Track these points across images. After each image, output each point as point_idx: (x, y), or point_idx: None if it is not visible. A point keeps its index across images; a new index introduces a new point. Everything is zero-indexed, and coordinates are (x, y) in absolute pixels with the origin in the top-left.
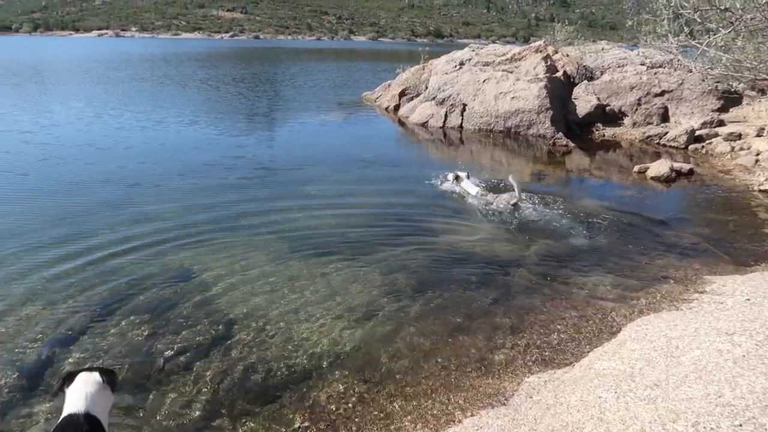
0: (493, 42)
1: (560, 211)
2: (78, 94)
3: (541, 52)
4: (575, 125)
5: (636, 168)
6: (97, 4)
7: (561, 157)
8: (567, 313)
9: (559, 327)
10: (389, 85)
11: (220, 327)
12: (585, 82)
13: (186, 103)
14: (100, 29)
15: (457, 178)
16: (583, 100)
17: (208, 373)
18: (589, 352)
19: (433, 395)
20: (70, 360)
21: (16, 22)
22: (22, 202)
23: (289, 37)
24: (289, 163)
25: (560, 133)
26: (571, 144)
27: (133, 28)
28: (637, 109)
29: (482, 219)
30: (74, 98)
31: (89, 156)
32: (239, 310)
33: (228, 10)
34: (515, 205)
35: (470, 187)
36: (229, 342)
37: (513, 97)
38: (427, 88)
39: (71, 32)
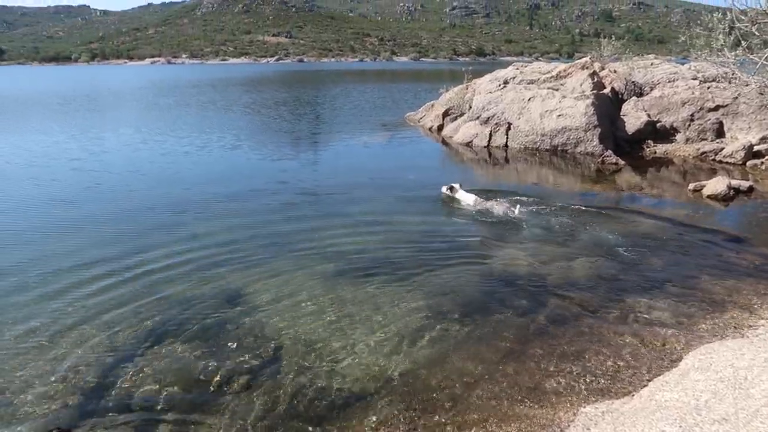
0: (536, 59)
1: (612, 231)
2: (127, 121)
3: (587, 68)
4: (625, 142)
5: (691, 186)
6: (150, 33)
7: (611, 175)
8: (622, 338)
9: (614, 353)
10: (432, 105)
11: (269, 350)
12: (634, 98)
13: (229, 127)
14: (152, 57)
15: (451, 189)
16: (633, 117)
17: (256, 398)
18: (648, 381)
19: (485, 425)
20: (126, 382)
21: (76, 52)
22: (72, 229)
23: (333, 60)
24: (333, 185)
25: (609, 151)
26: (621, 162)
27: (184, 55)
28: (689, 125)
29: (529, 239)
30: (123, 124)
31: (137, 182)
32: (287, 332)
33: (273, 35)
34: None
35: (466, 197)
36: (277, 365)
37: (559, 115)
38: (470, 107)
39: (126, 60)
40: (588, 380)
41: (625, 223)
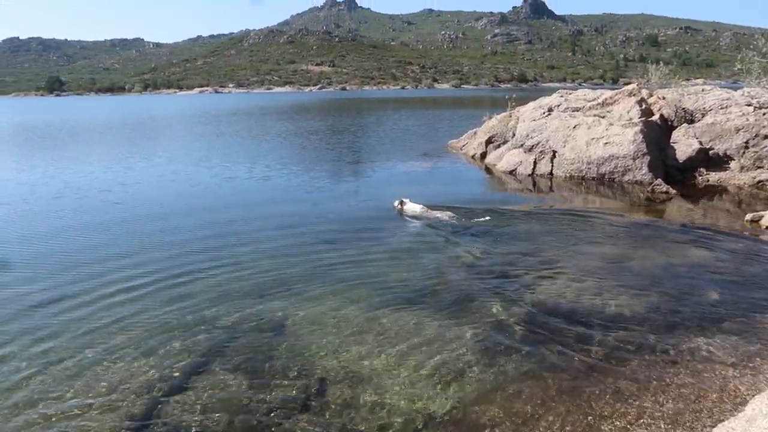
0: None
1: (664, 262)
2: (163, 150)
3: (634, 95)
4: (675, 170)
5: (748, 216)
6: (199, 64)
7: (661, 205)
8: (680, 378)
9: (673, 394)
10: (475, 133)
11: (312, 382)
12: (685, 125)
13: (262, 156)
14: (201, 86)
15: (401, 203)
16: (683, 144)
17: (302, 431)
18: (711, 427)
19: None
20: (172, 409)
21: (129, 82)
22: (116, 255)
23: (374, 87)
24: (376, 214)
25: (659, 179)
26: (672, 190)
27: (230, 85)
28: (744, 153)
29: (578, 271)
30: (158, 154)
31: (174, 211)
32: (332, 363)
33: (317, 65)
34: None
35: (415, 207)
36: (321, 400)
37: (606, 143)
38: (514, 135)
39: (176, 90)
40: (646, 423)
41: (678, 255)
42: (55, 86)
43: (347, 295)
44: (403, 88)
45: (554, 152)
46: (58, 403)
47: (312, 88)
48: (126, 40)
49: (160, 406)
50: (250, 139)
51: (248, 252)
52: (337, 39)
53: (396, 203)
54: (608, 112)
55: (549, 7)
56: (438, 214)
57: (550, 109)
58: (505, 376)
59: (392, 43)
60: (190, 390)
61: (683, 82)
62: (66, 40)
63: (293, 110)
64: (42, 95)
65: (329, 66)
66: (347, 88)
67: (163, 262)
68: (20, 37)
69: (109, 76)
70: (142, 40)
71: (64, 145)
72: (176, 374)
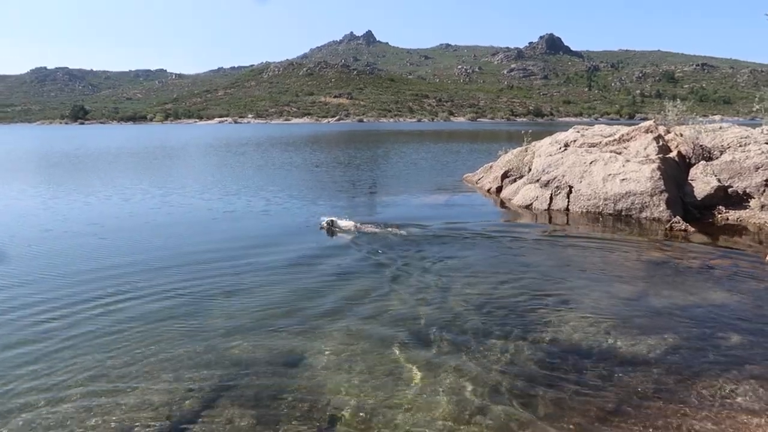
0: (596, 119)
1: (682, 303)
2: (160, 181)
3: (651, 132)
4: (694, 208)
5: None
6: (220, 95)
7: (679, 243)
8: (701, 424)
9: None
10: (491, 167)
11: (324, 420)
12: (702, 162)
13: (286, 185)
14: (221, 117)
15: (332, 222)
16: (702, 182)
17: None
18: None
19: None
20: None
21: (151, 112)
22: (125, 286)
23: (391, 120)
24: (392, 249)
25: (678, 217)
26: (690, 228)
27: (250, 115)
28: (764, 191)
29: (595, 309)
30: (160, 184)
31: (175, 241)
32: (343, 401)
33: (334, 97)
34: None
35: (346, 223)
36: None
37: (623, 179)
38: (530, 169)
39: (196, 120)
40: None
41: (698, 295)
42: (79, 115)
43: (359, 331)
44: (419, 120)
45: (570, 187)
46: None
47: (330, 119)
48: (149, 71)
49: None
50: (268, 168)
51: (258, 284)
52: (355, 72)
53: (324, 221)
54: (625, 148)
55: (565, 43)
56: (373, 228)
57: (567, 145)
58: (520, 422)
59: (409, 76)
60: (199, 423)
61: (700, 119)
62: (91, 70)
63: (308, 142)
64: (66, 123)
65: (347, 98)
66: (364, 120)
67: (172, 292)
68: (48, 67)
69: (132, 105)
70: (165, 71)
71: (70, 173)
72: (186, 407)
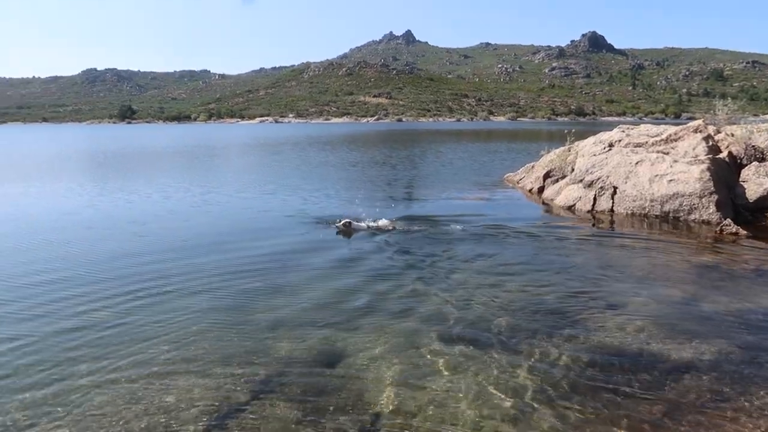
0: (640, 119)
1: (737, 309)
2: (201, 180)
3: (700, 131)
4: (746, 210)
5: None
6: (261, 95)
7: (730, 246)
8: None
9: None
10: (532, 167)
11: (368, 416)
12: (755, 163)
13: (328, 183)
14: (262, 116)
15: (349, 224)
16: (754, 183)
17: None
18: None
19: None
20: None
21: (195, 112)
22: (174, 283)
23: (430, 119)
24: (430, 247)
25: (728, 219)
26: (742, 231)
27: (290, 115)
28: None
29: (643, 313)
30: (202, 183)
31: (210, 240)
32: (386, 398)
33: (374, 96)
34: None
35: (361, 225)
36: None
37: (670, 180)
38: (573, 170)
39: (238, 120)
40: None
41: (750, 300)
42: (127, 114)
43: (398, 328)
44: (458, 120)
45: (615, 188)
46: (116, 425)
47: (369, 119)
48: (193, 71)
49: (214, 431)
50: (290, 168)
51: (296, 281)
52: (394, 71)
53: (340, 224)
54: (672, 148)
55: (608, 41)
56: (387, 224)
57: (611, 144)
58: (562, 422)
59: (449, 76)
60: (245, 416)
61: (752, 118)
62: (139, 71)
63: (348, 140)
64: (114, 123)
65: (386, 98)
66: (403, 119)
67: (213, 288)
68: (97, 68)
69: (177, 105)
70: (209, 71)
71: (115, 172)
72: (232, 401)
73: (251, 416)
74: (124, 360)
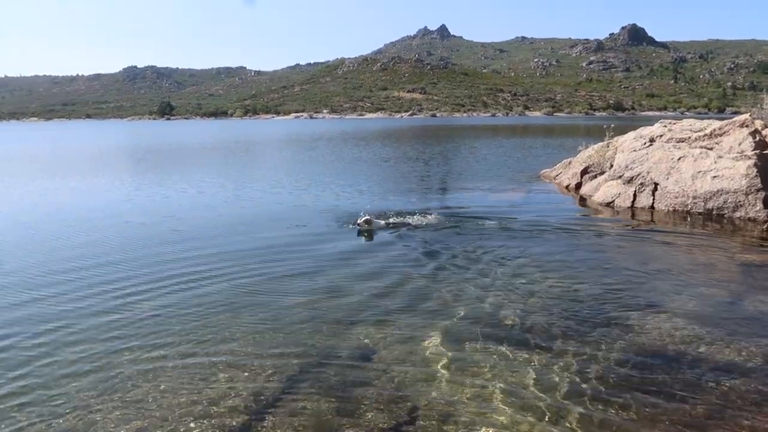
0: (682, 113)
1: None
2: (235, 175)
3: (747, 126)
4: None
5: None
6: (296, 91)
7: None
8: None
9: None
10: (569, 162)
11: (404, 411)
12: None
13: (337, 179)
14: (297, 112)
15: (368, 221)
16: None
17: None
18: None
19: None
20: (263, 428)
21: (231, 108)
22: (214, 278)
23: (465, 114)
24: (469, 245)
25: None
26: None
27: (325, 110)
28: None
29: (686, 312)
30: (232, 178)
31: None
32: (423, 394)
33: (408, 92)
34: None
35: (381, 222)
36: (412, 429)
37: (714, 177)
38: (612, 165)
39: (273, 115)
40: None
41: None
42: (166, 111)
43: (440, 326)
44: (493, 115)
45: (656, 185)
46: (156, 411)
47: (403, 114)
48: (230, 68)
49: (253, 423)
50: (323, 164)
51: (340, 276)
52: (428, 66)
53: (361, 221)
54: (717, 143)
55: (649, 34)
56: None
57: (652, 140)
58: (603, 423)
59: (484, 70)
60: (282, 409)
61: None
62: (177, 68)
63: (382, 136)
64: (154, 119)
65: (420, 93)
66: (437, 114)
67: (255, 284)
68: (138, 66)
69: (214, 101)
70: (245, 68)
71: (153, 167)
72: (270, 392)
73: (286, 408)
74: (163, 349)
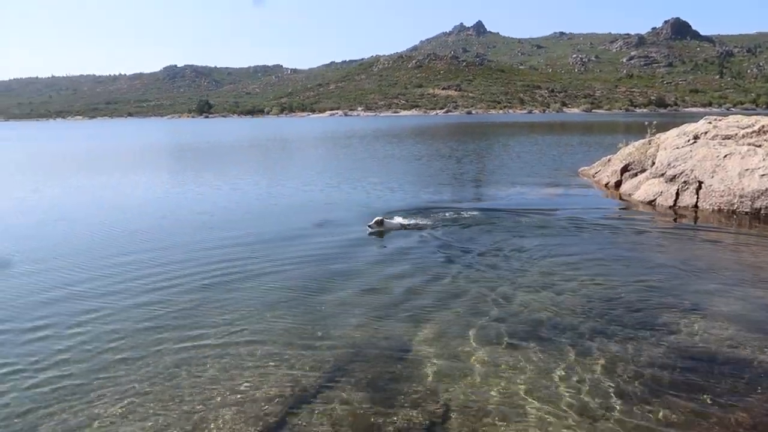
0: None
1: None
2: (269, 172)
3: None
4: None
5: None
6: (331, 89)
7: None
8: None
9: None
10: (609, 160)
11: (438, 409)
12: None
13: (368, 176)
14: (332, 110)
15: (381, 222)
16: None
17: None
18: None
19: None
20: (299, 419)
21: (268, 106)
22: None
23: (500, 111)
24: (504, 243)
25: None
26: None
27: (359, 108)
28: None
29: (728, 316)
30: (266, 176)
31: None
32: (457, 391)
33: (443, 89)
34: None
35: (394, 223)
36: (445, 427)
37: (763, 175)
38: (653, 163)
39: (309, 113)
40: None
41: None
42: (204, 109)
43: (475, 324)
44: (529, 112)
45: (700, 183)
46: (192, 401)
47: (438, 111)
48: (267, 66)
49: (290, 415)
50: (356, 161)
51: (374, 273)
52: (464, 63)
53: (372, 223)
54: (766, 140)
55: (693, 28)
56: (420, 221)
57: (696, 137)
58: (645, 425)
59: (520, 67)
60: (319, 403)
61: None
62: (215, 67)
63: (415, 133)
64: (193, 117)
65: (455, 90)
66: (473, 112)
67: (287, 279)
68: (177, 65)
69: (251, 99)
70: (281, 66)
71: (190, 165)
72: (307, 386)
73: (321, 399)
74: (202, 339)
